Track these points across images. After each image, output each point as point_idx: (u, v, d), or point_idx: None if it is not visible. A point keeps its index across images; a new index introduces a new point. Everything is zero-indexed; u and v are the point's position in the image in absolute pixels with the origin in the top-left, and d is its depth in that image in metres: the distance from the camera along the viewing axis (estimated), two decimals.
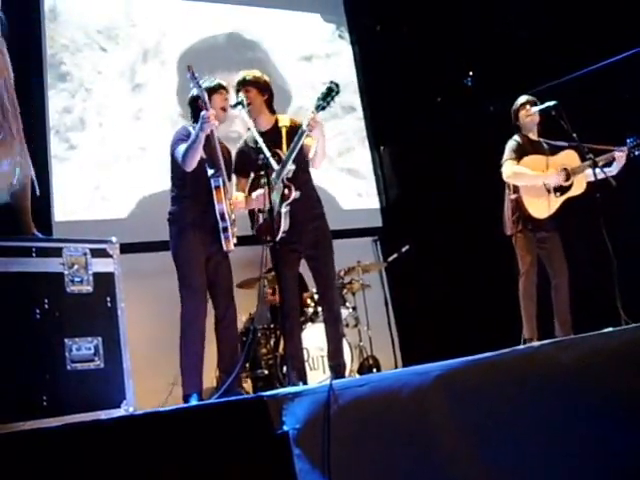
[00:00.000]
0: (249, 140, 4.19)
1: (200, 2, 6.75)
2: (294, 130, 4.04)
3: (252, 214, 4.14)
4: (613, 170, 4.61)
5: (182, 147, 3.79)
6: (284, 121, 4.17)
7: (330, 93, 3.89)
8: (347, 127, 7.23)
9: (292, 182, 3.96)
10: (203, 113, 3.70)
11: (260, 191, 3.97)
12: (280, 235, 3.91)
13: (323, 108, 3.91)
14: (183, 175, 3.86)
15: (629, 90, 4.60)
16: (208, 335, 3.91)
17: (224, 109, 4.03)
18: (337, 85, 3.91)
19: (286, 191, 3.95)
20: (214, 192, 3.80)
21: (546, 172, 4.70)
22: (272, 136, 4.06)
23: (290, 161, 3.93)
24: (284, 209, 3.95)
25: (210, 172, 3.82)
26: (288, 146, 4.01)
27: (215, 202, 3.80)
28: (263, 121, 4.14)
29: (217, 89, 4.01)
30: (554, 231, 4.73)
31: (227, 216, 3.84)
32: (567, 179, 4.70)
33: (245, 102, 4.02)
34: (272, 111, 4.20)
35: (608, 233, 4.16)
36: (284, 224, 3.95)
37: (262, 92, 4.16)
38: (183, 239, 3.86)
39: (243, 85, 4.13)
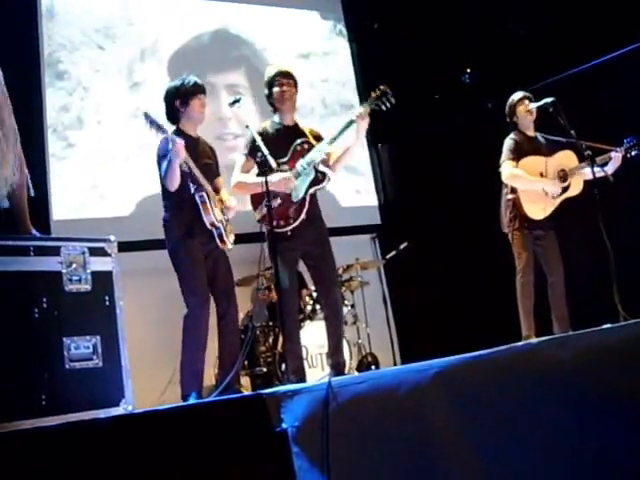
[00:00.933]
0: (269, 128, 4.17)
1: None
2: (314, 136, 4.13)
3: (258, 203, 4.07)
4: (609, 170, 4.60)
5: (163, 166, 3.80)
6: (304, 125, 4.24)
7: (381, 97, 4.04)
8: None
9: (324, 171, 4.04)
10: (170, 147, 3.68)
11: (280, 175, 3.93)
12: (299, 221, 3.94)
13: (377, 106, 4.03)
14: None
15: (627, 87, 4.60)
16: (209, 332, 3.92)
17: (202, 112, 4.03)
18: (388, 92, 4.07)
19: (319, 176, 4.03)
20: (200, 207, 3.83)
21: (545, 174, 4.69)
22: (297, 130, 4.13)
23: (326, 149, 4.01)
24: (311, 190, 4.01)
25: (192, 188, 3.83)
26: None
27: (203, 216, 3.83)
28: (290, 116, 4.19)
29: (196, 93, 3.99)
30: (550, 229, 4.73)
31: (218, 223, 3.87)
32: (564, 180, 4.70)
33: (242, 101, 3.99)
34: None
35: (606, 229, 4.16)
36: (303, 216, 3.97)
37: (296, 88, 4.22)
38: (181, 245, 3.86)
39: (291, 77, 4.17)
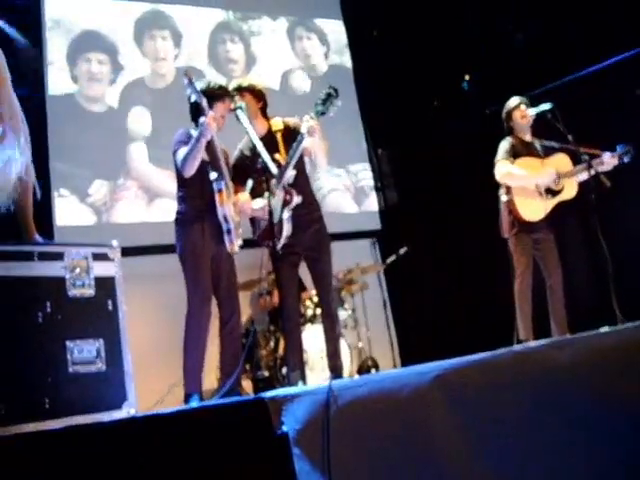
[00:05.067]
0: (244, 148, 4.21)
1: (197, 7, 6.76)
2: (289, 132, 4.07)
3: (253, 220, 4.18)
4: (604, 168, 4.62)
5: (182, 151, 3.80)
6: (277, 125, 4.19)
7: (329, 98, 3.90)
8: (345, 130, 7.24)
9: (293, 187, 3.99)
10: (202, 119, 3.71)
11: (261, 201, 3.99)
12: (282, 241, 3.94)
13: (323, 113, 3.91)
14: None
15: (625, 93, 4.62)
16: (210, 336, 3.93)
17: (224, 117, 4.02)
18: (336, 90, 3.90)
19: (287, 197, 3.98)
20: (216, 196, 3.81)
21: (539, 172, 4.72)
22: (268, 141, 4.07)
23: (290, 167, 3.95)
24: (286, 215, 3.98)
25: (213, 176, 3.84)
26: (285, 149, 4.04)
27: (217, 206, 3.82)
28: (257, 127, 4.16)
29: (221, 97, 3.99)
30: (549, 233, 4.74)
31: (230, 219, 3.86)
32: (558, 182, 4.72)
33: (244, 107, 4.03)
34: (266, 118, 4.23)
35: (603, 233, 4.17)
36: (286, 230, 3.98)
37: (257, 99, 4.19)
38: (190, 238, 3.86)
39: (238, 91, 4.16)
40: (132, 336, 2.81)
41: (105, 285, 2.80)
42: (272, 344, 5.31)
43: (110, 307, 2.79)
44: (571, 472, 2.39)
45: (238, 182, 4.18)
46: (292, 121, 4.17)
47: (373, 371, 5.60)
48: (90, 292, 2.75)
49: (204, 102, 3.78)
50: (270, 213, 3.65)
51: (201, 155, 3.77)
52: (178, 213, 3.94)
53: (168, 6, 6.58)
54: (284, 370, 4.90)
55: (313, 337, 5.07)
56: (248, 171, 4.12)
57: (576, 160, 4.64)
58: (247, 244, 4.23)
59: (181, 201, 3.94)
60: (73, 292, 2.70)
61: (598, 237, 4.16)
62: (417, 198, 6.95)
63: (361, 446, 2.04)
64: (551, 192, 4.71)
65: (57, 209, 5.58)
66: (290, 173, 3.96)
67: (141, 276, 5.02)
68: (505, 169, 4.68)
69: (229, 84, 4.22)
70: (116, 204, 5.85)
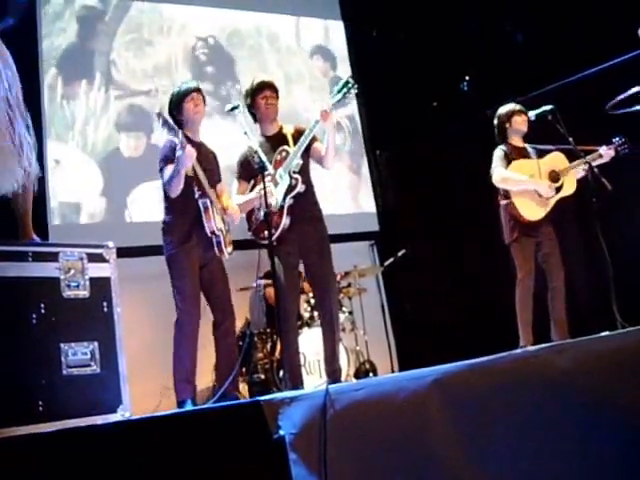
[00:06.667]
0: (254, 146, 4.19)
1: (195, 6, 6.75)
2: (299, 135, 4.08)
3: (249, 216, 4.14)
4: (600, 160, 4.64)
5: (167, 172, 3.79)
6: (288, 128, 4.22)
7: (346, 86, 4.01)
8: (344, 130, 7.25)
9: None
10: (180, 154, 3.68)
11: (258, 188, 3.97)
12: (279, 232, 3.92)
13: (338, 101, 4.01)
14: None
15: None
16: (205, 339, 3.91)
17: (198, 110, 4.00)
18: (354, 79, 4.00)
19: (293, 182, 3.98)
20: (203, 213, 3.83)
21: (537, 176, 4.70)
22: (278, 139, 4.12)
23: (299, 154, 3.97)
24: (288, 202, 3.96)
25: (197, 194, 3.83)
26: (294, 144, 4.06)
27: (205, 223, 3.83)
28: (272, 126, 4.18)
29: (185, 96, 3.98)
30: (552, 234, 4.73)
31: (218, 231, 3.86)
32: (556, 181, 4.71)
33: (242, 107, 4.01)
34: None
35: (604, 237, 4.16)
36: (284, 222, 3.96)
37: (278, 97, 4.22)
38: (178, 253, 3.85)
39: (275, 89, 4.19)
40: (127, 338, 2.79)
41: (100, 286, 2.77)
42: (269, 347, 5.29)
43: (105, 309, 2.76)
44: (571, 476, 2.38)
45: (242, 179, 4.18)
46: (303, 127, 4.18)
47: (371, 375, 5.58)
48: (85, 293, 2.72)
49: (181, 138, 3.72)
50: (267, 212, 3.65)
51: (183, 179, 3.77)
52: (164, 223, 3.93)
53: (166, 5, 6.58)
54: (280, 373, 4.88)
55: (311, 340, 5.05)
56: (253, 170, 4.08)
57: (574, 159, 4.63)
58: (244, 246, 4.21)
59: (167, 212, 3.93)
60: (68, 293, 2.68)
61: (599, 240, 4.15)
62: (416, 200, 6.95)
63: (358, 451, 2.02)
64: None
65: (52, 208, 5.56)
66: (297, 161, 3.98)
67: (137, 277, 5.01)
68: (501, 174, 4.72)
69: (253, 80, 4.24)
70: (112, 204, 5.83)
